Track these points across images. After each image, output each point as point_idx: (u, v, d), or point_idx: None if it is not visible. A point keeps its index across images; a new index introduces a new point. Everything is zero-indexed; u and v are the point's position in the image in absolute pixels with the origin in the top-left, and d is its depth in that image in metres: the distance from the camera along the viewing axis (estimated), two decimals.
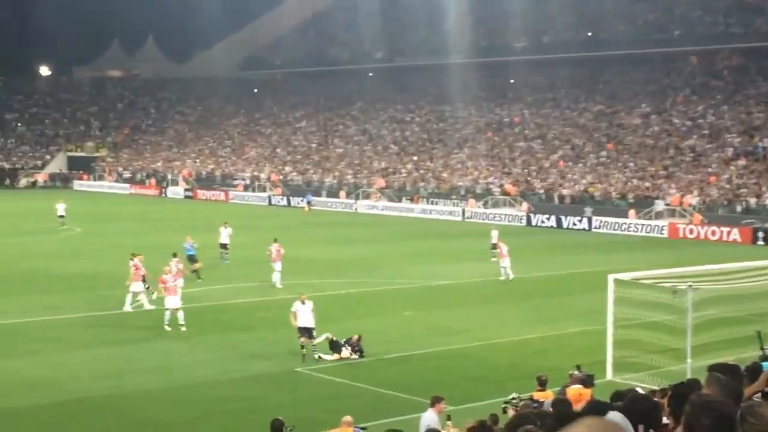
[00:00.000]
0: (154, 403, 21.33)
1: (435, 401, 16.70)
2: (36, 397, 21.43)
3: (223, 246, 43.75)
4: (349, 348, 25.63)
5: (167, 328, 28.52)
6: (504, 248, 41.28)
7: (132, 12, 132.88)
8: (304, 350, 24.97)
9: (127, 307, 31.45)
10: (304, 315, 25.37)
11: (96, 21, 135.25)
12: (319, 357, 25.04)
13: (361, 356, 25.64)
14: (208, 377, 23.52)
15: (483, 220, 68.62)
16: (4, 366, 24.16)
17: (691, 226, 61.06)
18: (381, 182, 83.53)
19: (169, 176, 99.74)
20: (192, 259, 39.14)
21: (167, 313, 28.90)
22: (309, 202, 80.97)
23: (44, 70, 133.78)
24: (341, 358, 25.35)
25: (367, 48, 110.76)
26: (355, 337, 26.02)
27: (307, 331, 25.20)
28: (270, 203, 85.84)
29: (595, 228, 64.65)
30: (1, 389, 21.99)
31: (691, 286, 22.73)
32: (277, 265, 37.18)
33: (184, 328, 28.40)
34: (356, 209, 78.98)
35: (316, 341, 25.33)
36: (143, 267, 32.44)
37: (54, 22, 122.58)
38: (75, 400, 21.26)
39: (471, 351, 26.92)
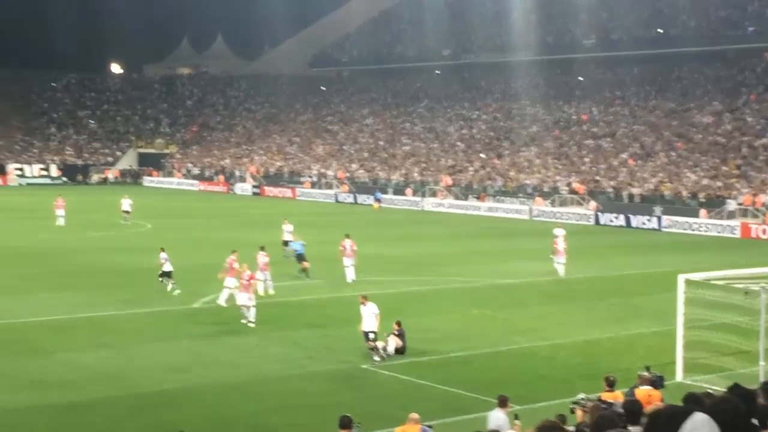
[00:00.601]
0: (224, 397, 21.57)
1: (503, 401, 16.63)
2: (108, 390, 21.81)
3: (286, 243, 44.04)
4: (394, 335, 25.50)
5: (247, 323, 28.81)
6: (561, 246, 40.97)
7: (201, 10, 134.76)
8: (376, 357, 24.73)
9: (221, 302, 31.76)
10: (365, 318, 25.20)
11: (166, 19, 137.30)
12: (381, 359, 24.76)
13: (402, 339, 25.51)
14: (276, 372, 23.73)
15: (550, 218, 68.14)
16: (78, 359, 24.63)
17: (764, 226, 59.95)
18: (448, 180, 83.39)
19: (237, 173, 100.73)
20: (301, 257, 39.16)
21: (243, 310, 29.23)
22: (378, 200, 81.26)
23: (116, 68, 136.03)
24: (399, 345, 25.25)
25: (434, 45, 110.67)
26: (395, 326, 25.81)
27: (368, 335, 25.05)
28: (337, 200, 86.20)
29: (665, 227, 63.82)
30: (75, 382, 22.42)
31: (764, 287, 22.34)
32: (349, 261, 37.46)
33: (251, 325, 28.66)
34: (423, 207, 78.98)
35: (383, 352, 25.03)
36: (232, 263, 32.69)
37: (125, 20, 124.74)
38: (146, 393, 21.61)
39: (538, 350, 26.76)
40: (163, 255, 34.91)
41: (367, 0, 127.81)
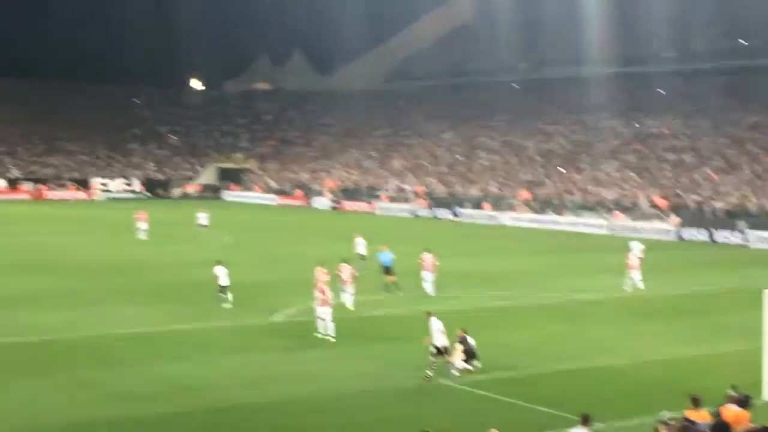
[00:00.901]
0: (302, 412, 21.57)
1: (586, 419, 16.35)
2: (189, 403, 21.97)
3: (361, 257, 44.03)
4: (459, 346, 25.08)
5: (323, 336, 28.83)
6: (633, 260, 40.43)
7: (279, 26, 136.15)
8: (429, 371, 24.35)
9: (349, 305, 32.19)
10: (434, 333, 25.02)
11: (245, 35, 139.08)
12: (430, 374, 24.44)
13: (465, 344, 25.19)
14: (354, 387, 23.67)
15: (631, 234, 67.01)
16: (156, 371, 24.89)
17: None
18: (526, 194, 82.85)
19: (315, 187, 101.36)
20: (388, 270, 39.00)
21: (318, 322, 29.26)
22: (456, 214, 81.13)
23: (195, 84, 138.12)
24: (464, 360, 24.87)
25: (511, 59, 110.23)
26: (458, 332, 25.41)
27: (435, 350, 24.72)
28: (414, 215, 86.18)
29: (751, 243, 62.42)
30: (152, 394, 22.62)
31: None
32: (429, 275, 37.42)
33: (331, 339, 28.67)
34: (500, 221, 78.53)
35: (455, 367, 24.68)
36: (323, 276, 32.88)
37: (205, 37, 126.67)
38: (226, 407, 21.71)
39: (619, 368, 26.33)
40: (219, 268, 35.04)
41: (443, 14, 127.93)
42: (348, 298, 34.19)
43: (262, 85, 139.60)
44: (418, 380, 24.13)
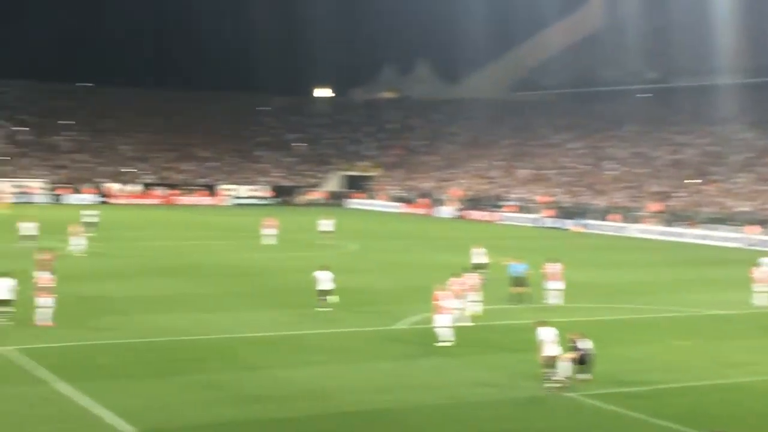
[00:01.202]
0: (418, 420, 21.44)
1: None
2: (315, 407, 22.08)
3: (479, 267, 43.36)
4: (575, 354, 24.30)
5: (443, 344, 28.71)
6: (758, 275, 39.12)
7: (405, 35, 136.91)
8: (547, 384, 23.96)
9: (464, 321, 32.06)
10: (542, 344, 24.49)
11: (370, 44, 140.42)
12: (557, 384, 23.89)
13: (579, 352, 24.40)
14: (474, 397, 23.43)
15: (765, 248, 64.79)
16: (285, 375, 25.13)
17: None
18: (655, 206, 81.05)
19: (440, 196, 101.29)
20: (519, 281, 38.26)
21: (438, 330, 29.14)
22: (582, 225, 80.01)
23: (321, 92, 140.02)
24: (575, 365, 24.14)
25: (639, 69, 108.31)
26: (571, 337, 24.69)
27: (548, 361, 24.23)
28: (540, 225, 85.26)
29: None
30: (276, 397, 22.82)
31: None
32: (555, 285, 37.04)
33: (445, 344, 28.49)
34: (629, 233, 77.04)
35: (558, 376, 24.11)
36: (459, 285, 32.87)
37: (331, 47, 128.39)
38: (350, 413, 21.75)
39: (755, 386, 25.38)
40: (321, 273, 35.11)
41: (570, 24, 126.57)
42: (473, 306, 33.95)
43: (387, 94, 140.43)
44: (540, 392, 23.73)
